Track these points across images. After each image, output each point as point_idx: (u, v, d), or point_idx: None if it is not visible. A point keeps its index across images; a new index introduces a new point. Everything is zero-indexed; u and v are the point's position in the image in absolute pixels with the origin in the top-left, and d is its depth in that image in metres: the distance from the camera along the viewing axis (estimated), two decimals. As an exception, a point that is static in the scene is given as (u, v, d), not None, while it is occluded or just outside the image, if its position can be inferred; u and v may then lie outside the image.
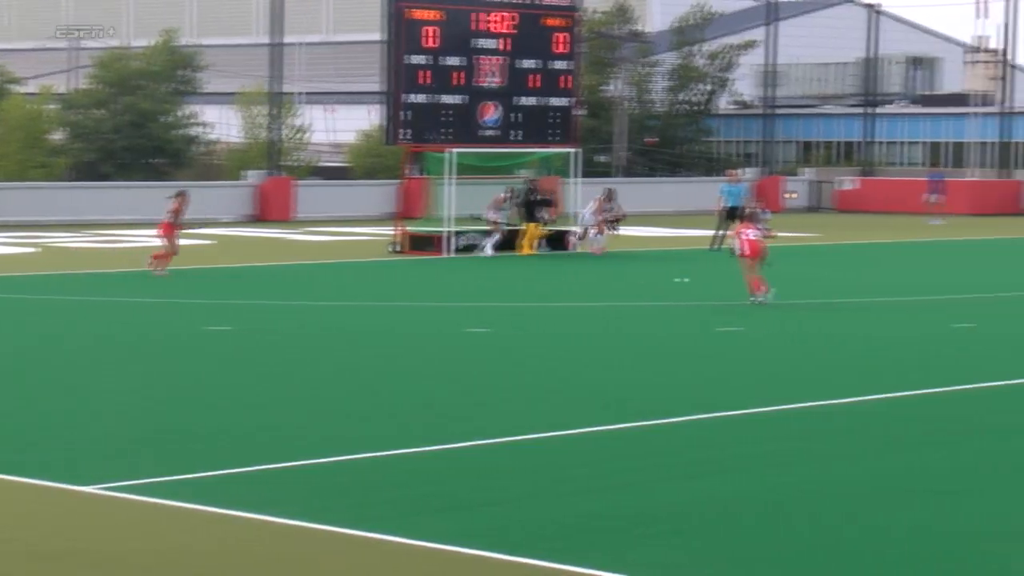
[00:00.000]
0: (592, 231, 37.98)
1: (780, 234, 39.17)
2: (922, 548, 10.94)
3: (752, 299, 26.15)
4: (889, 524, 11.49)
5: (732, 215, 36.96)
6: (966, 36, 68.75)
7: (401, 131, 37.97)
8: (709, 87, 72.26)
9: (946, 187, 56.65)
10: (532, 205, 38.62)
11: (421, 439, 14.45)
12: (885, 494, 12.51)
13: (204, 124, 64.42)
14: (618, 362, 19.97)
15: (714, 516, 11.78)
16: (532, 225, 38.28)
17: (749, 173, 43.72)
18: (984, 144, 65.92)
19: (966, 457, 14.04)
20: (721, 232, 37.96)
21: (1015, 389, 17.79)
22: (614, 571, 10.22)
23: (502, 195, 38.64)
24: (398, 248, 38.15)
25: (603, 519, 11.63)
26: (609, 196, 38.54)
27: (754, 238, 26.41)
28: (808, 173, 65.59)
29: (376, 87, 49.24)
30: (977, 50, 66.24)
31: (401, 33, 37.55)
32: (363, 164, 62.69)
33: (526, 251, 37.82)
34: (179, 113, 63.45)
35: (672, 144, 70.87)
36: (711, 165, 69.85)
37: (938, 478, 13.16)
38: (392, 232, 39.52)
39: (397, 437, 14.63)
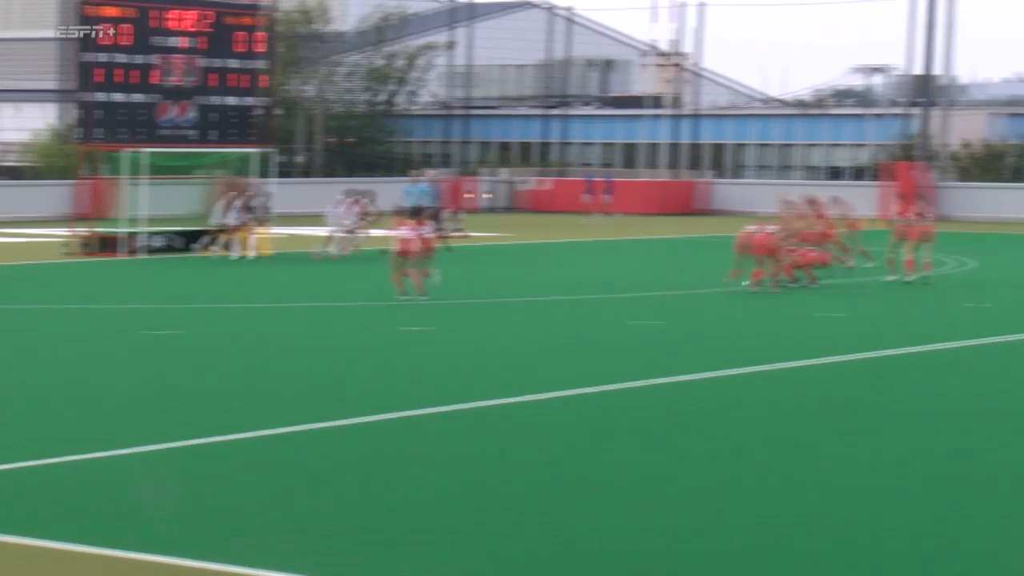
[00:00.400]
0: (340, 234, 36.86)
1: (473, 233, 39.79)
2: (561, 542, 11.35)
3: (404, 297, 26.65)
4: (546, 520, 11.88)
5: (415, 214, 37.40)
6: (647, 40, 70.66)
7: (85, 130, 37.29)
8: (403, 87, 72.71)
9: (611, 187, 58.13)
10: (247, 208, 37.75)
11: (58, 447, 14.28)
12: (542, 488, 12.92)
13: None
14: (291, 364, 20.07)
15: (402, 516, 11.98)
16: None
17: (432, 173, 44.23)
18: (663, 145, 67.79)
19: (620, 454, 14.46)
20: None
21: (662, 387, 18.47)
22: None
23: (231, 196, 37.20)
24: (74, 250, 37.24)
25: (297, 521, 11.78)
26: (370, 198, 37.88)
27: (410, 236, 26.76)
28: (502, 173, 66.58)
29: (55, 85, 48.12)
30: (656, 54, 68.14)
31: (82, 30, 36.86)
32: (55, 164, 61.19)
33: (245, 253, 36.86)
34: None
35: (368, 144, 71.10)
36: (407, 165, 70.29)
37: (587, 472, 13.59)
38: (68, 233, 38.60)
39: (62, 444, 14.48)
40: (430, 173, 42.97)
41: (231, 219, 36.87)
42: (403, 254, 27.09)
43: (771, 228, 29.45)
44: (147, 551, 10.58)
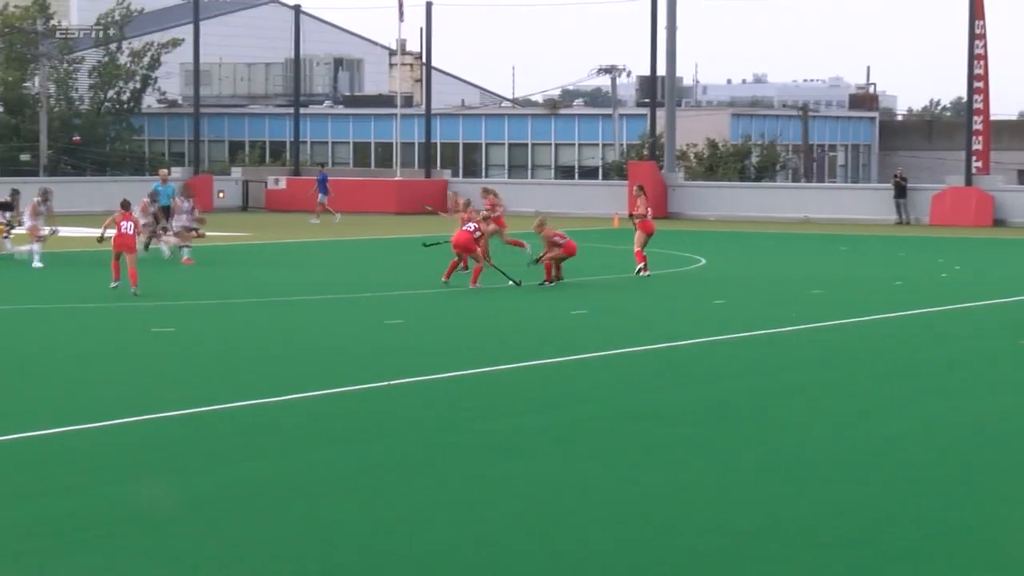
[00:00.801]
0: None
1: (211, 233, 38.98)
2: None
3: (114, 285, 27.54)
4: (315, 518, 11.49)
5: (165, 213, 36.72)
6: (387, 39, 70.49)
7: None
8: (135, 85, 71.15)
9: (328, 186, 57.83)
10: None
11: None
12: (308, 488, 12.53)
13: None
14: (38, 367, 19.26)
15: (155, 519, 11.47)
16: None
17: (176, 172, 43.30)
18: (409, 144, 67.70)
19: (375, 453, 14.17)
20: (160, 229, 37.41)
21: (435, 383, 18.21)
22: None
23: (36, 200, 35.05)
24: None
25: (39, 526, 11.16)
26: (45, 196, 36.11)
27: (127, 231, 27.50)
28: (237, 173, 65.53)
29: None
30: (398, 53, 67.97)
31: None
32: None
33: None
34: None
35: (99, 143, 69.38)
36: (140, 164, 68.81)
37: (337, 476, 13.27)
38: None
39: None
40: (163, 172, 41.85)
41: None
42: (119, 248, 27.65)
43: (471, 226, 29.61)
44: None
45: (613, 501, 12.24)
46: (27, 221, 34.67)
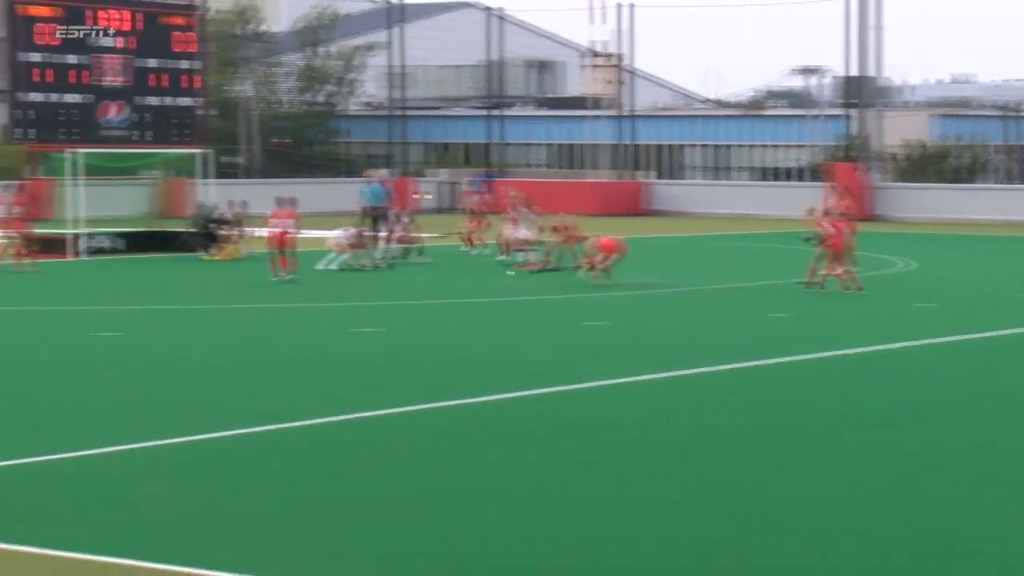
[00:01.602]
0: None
1: (418, 235, 39.52)
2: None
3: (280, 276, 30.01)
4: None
5: (370, 214, 37.42)
6: (585, 40, 70.63)
7: (20, 131, 36.75)
8: (337, 88, 72.32)
9: (492, 187, 57.99)
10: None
11: (31, 449, 13.98)
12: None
13: None
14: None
15: (323, 518, 11.74)
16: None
17: (382, 173, 44.02)
18: (606, 146, 67.80)
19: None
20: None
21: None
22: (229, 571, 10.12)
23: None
24: (25, 250, 36.78)
25: (213, 518, 11.51)
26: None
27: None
28: (439, 174, 66.30)
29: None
30: (595, 54, 68.10)
31: (17, 30, 36.34)
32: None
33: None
34: None
35: (303, 145, 70.68)
36: (343, 166, 69.94)
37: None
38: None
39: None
40: (380, 173, 42.64)
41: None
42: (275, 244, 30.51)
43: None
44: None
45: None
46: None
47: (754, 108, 72.93)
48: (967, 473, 13.37)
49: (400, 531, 11.26)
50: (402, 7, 68.31)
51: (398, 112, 68.78)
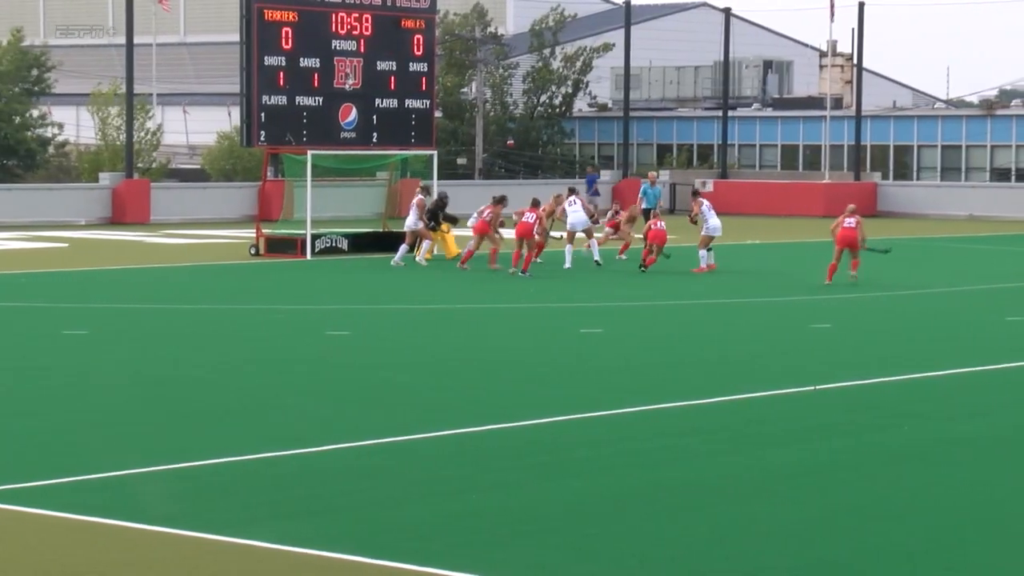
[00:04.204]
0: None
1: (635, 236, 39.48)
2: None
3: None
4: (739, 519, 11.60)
5: (647, 215, 37.82)
6: (817, 40, 69.79)
7: (258, 133, 37.62)
8: (566, 89, 72.59)
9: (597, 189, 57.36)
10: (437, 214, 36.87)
11: (276, 443, 14.30)
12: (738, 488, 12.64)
13: (56, 124, 63.36)
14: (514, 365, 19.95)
15: (581, 515, 11.79)
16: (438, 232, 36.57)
17: (606, 176, 44.31)
18: (837, 147, 66.94)
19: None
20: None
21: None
22: (481, 572, 10.21)
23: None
24: (258, 251, 37.77)
25: (469, 519, 11.62)
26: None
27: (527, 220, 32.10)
28: (666, 176, 66.12)
29: (234, 88, 48.96)
30: (827, 54, 67.25)
31: (257, 34, 37.21)
32: (218, 167, 62.14)
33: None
34: (30, 114, 62.31)
35: (531, 146, 71.11)
36: (570, 167, 70.18)
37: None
38: (252, 234, 39.19)
39: (253, 441, 14.46)
40: (652, 175, 43.47)
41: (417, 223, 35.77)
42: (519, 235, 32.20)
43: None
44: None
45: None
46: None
47: (991, 108, 71.22)
48: None
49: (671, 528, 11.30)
50: (628, 7, 68.19)
51: (624, 113, 68.74)
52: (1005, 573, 10.38)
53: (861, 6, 64.12)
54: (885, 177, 66.40)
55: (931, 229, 51.95)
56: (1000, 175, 67.24)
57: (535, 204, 33.15)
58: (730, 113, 69.55)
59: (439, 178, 41.66)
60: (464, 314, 26.14)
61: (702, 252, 33.62)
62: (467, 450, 14.28)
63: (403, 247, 35.07)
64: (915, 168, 68.85)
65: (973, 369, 19.18)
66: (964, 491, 12.59)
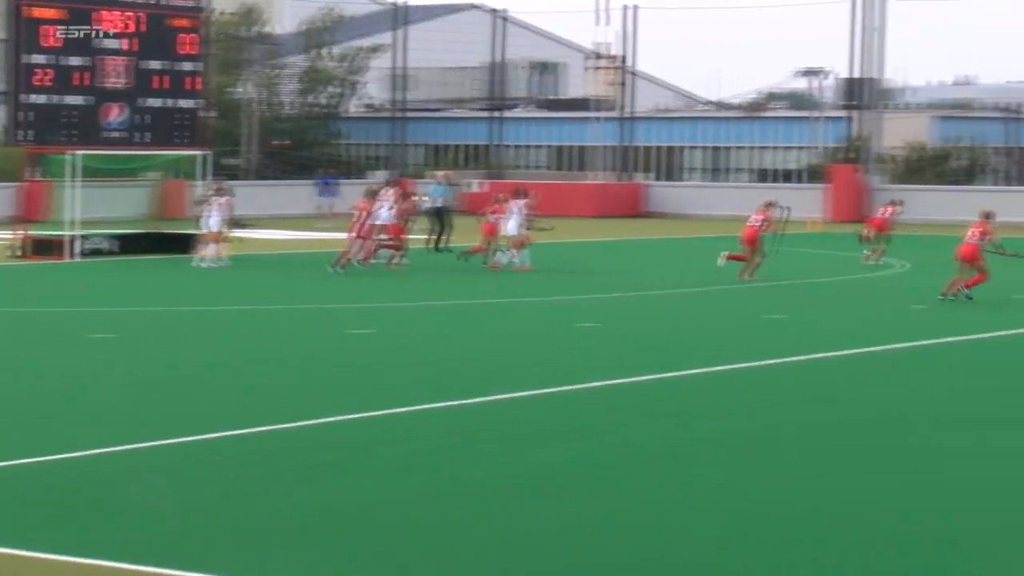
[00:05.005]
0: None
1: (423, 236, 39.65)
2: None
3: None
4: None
5: (438, 214, 38.16)
6: (587, 42, 70.70)
7: (21, 132, 36.89)
8: (339, 90, 72.41)
9: (338, 189, 57.94)
10: None
11: (28, 450, 14.07)
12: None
13: None
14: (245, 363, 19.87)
15: (339, 519, 11.85)
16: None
17: (440, 175, 44.80)
18: (606, 148, 67.91)
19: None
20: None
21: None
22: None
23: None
24: (20, 253, 37.04)
25: (221, 525, 11.62)
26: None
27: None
28: (437, 176, 66.30)
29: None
30: (598, 56, 68.21)
31: (21, 31, 36.48)
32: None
33: None
34: None
35: (303, 147, 70.78)
36: (343, 168, 70.05)
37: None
38: (12, 236, 38.41)
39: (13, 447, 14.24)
40: (443, 174, 43.76)
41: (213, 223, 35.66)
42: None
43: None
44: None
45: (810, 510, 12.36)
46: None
47: (755, 110, 73.01)
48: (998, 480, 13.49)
49: (425, 532, 11.39)
50: (406, 8, 68.38)
51: (398, 114, 68.87)
52: (758, 570, 10.71)
53: (634, 9, 65.20)
54: (656, 178, 67.62)
55: (696, 229, 53.04)
56: (763, 176, 68.92)
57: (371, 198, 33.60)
58: (502, 114, 70.15)
59: (214, 178, 41.25)
60: (230, 317, 25.97)
61: (516, 252, 34.27)
62: (205, 456, 14.23)
63: (212, 247, 34.84)
64: (682, 169, 70.23)
65: (729, 367, 19.66)
66: (718, 490, 12.91)
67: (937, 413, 16.70)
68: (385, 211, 34.70)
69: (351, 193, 60.40)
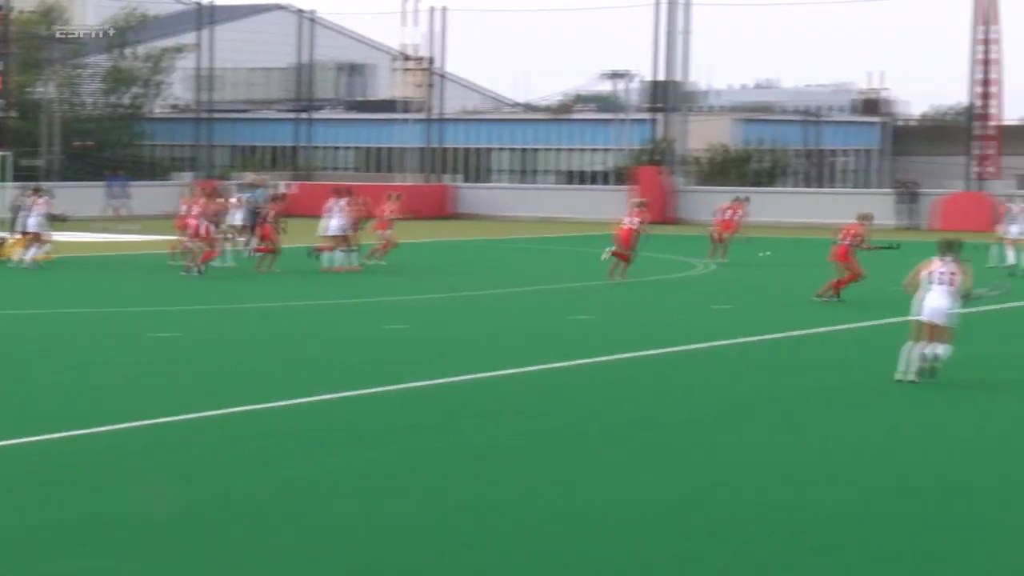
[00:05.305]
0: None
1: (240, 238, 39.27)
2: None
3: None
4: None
5: (254, 216, 37.93)
6: (396, 44, 70.69)
7: None
8: (143, 90, 71.42)
9: (128, 191, 57.92)
10: None
11: None
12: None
13: None
14: None
15: (157, 522, 11.71)
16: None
17: (185, 177, 44.14)
18: (415, 149, 67.94)
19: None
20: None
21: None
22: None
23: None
24: None
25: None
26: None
27: None
28: (245, 177, 65.75)
29: None
30: (406, 58, 68.24)
31: None
32: None
33: None
34: None
35: (107, 147, 69.66)
36: (147, 169, 69.09)
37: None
38: None
39: None
40: (250, 176, 43.22)
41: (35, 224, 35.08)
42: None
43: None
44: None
45: (609, 505, 12.49)
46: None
47: (562, 112, 73.65)
48: (790, 471, 13.74)
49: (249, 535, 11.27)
50: (212, 8, 67.68)
51: (204, 115, 68.16)
52: (590, 567, 10.80)
53: (441, 10, 65.31)
54: (465, 179, 67.83)
55: (504, 231, 53.32)
56: (571, 177, 69.53)
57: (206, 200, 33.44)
58: (308, 115, 69.82)
59: (14, 180, 40.47)
60: (31, 320, 25.51)
61: (339, 254, 34.60)
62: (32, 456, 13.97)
63: (33, 248, 34.45)
64: (490, 170, 70.56)
65: (540, 367, 19.78)
66: (546, 488, 12.99)
67: (724, 411, 17.01)
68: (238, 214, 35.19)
69: (151, 196, 59.88)
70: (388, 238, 36.26)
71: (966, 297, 18.93)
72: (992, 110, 57.06)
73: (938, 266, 18.51)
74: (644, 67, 76.64)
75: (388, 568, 10.60)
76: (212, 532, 11.43)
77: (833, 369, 20.46)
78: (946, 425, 16.40)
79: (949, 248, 18.77)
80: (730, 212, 39.41)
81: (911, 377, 18.28)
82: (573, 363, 20.24)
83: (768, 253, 41.59)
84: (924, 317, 18.40)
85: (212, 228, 33.69)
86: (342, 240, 34.80)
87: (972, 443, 15.35)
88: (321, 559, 10.74)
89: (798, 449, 14.84)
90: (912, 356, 18.35)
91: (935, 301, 18.34)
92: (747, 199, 41.56)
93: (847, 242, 28.56)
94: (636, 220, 33.11)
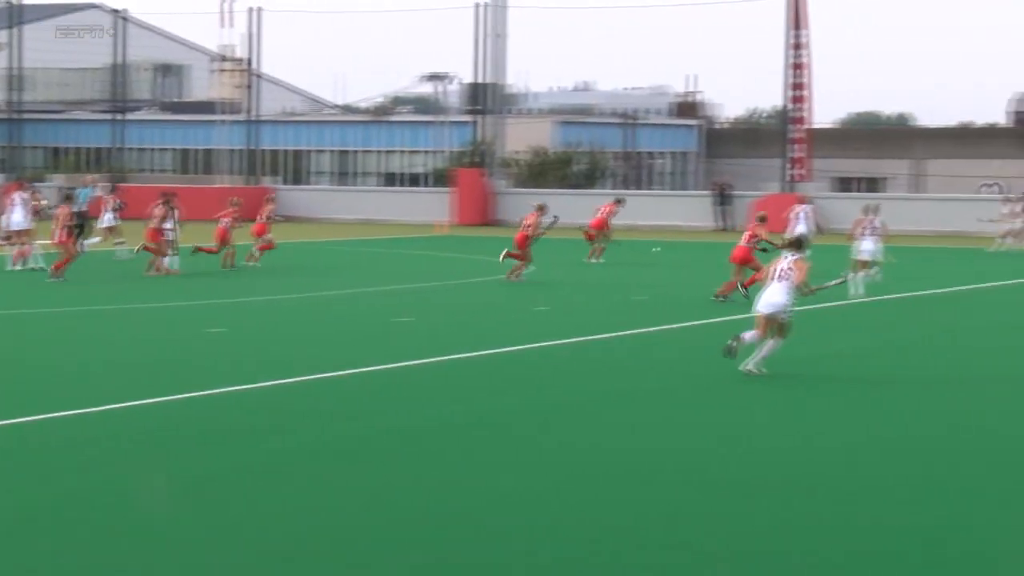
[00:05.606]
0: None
1: (41, 241, 38.49)
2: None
3: None
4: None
5: (82, 216, 37.47)
6: (212, 44, 69.93)
7: None
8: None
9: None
10: None
11: None
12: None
13: None
14: None
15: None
16: None
17: (90, 178, 43.60)
18: (232, 151, 67.26)
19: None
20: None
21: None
22: None
23: None
24: None
25: None
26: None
27: None
28: (57, 179, 64.58)
29: None
30: (223, 59, 67.52)
31: None
32: None
33: None
34: None
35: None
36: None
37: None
38: None
39: None
40: (88, 177, 42.50)
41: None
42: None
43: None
44: None
45: (456, 507, 12.43)
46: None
47: (381, 114, 73.50)
48: (610, 471, 13.77)
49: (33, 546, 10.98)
50: (21, 7, 66.24)
51: (15, 115, 66.75)
52: (439, 564, 10.72)
53: (258, 11, 64.72)
54: (284, 181, 67.35)
55: (325, 233, 53.03)
56: (391, 179, 69.42)
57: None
58: (124, 116, 68.75)
59: None
60: None
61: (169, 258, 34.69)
62: None
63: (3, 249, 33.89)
64: (309, 172, 70.16)
65: (367, 369, 19.69)
66: (380, 488, 12.91)
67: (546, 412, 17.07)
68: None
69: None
70: (269, 241, 36.58)
71: (805, 291, 19.59)
72: (803, 113, 58.17)
73: (781, 263, 19.48)
74: (464, 69, 76.91)
75: (214, 569, 10.42)
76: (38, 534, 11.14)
77: (652, 370, 20.62)
78: (767, 425, 16.62)
79: (790, 245, 19.87)
80: (604, 211, 40.52)
81: (750, 367, 19.10)
82: (398, 365, 20.14)
83: (658, 249, 43.15)
84: (760, 310, 19.28)
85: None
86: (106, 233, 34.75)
87: (778, 442, 15.55)
88: (145, 564, 10.51)
89: (622, 449, 14.90)
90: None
91: (771, 296, 19.25)
92: (622, 200, 42.94)
93: (748, 244, 29.35)
94: (529, 223, 33.49)
